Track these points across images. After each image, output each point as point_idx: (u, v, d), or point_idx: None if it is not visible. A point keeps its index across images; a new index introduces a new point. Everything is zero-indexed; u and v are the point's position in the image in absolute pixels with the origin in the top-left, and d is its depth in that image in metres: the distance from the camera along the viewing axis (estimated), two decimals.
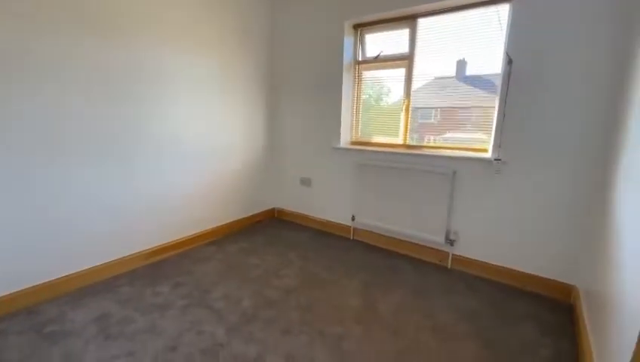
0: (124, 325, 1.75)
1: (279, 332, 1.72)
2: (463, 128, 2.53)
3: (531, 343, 1.69)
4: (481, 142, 2.41)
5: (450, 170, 2.40)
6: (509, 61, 2.11)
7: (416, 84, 2.68)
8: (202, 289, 2.13)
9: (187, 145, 2.65)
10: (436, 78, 2.65)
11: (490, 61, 2.32)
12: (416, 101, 2.69)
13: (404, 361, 1.54)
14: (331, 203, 3.19)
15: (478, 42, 2.34)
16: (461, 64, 2.49)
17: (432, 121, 2.75)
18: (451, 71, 2.52)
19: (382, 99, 2.97)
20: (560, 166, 2.03)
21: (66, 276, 2.04)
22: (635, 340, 0.78)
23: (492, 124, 2.30)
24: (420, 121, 2.76)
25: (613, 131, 1.79)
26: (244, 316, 1.86)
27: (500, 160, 2.20)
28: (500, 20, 2.21)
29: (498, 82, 2.24)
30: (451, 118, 2.60)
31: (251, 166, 3.32)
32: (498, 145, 2.21)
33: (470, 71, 2.45)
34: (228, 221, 3.13)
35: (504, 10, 2.21)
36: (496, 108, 2.25)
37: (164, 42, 2.37)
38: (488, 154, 2.32)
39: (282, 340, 1.67)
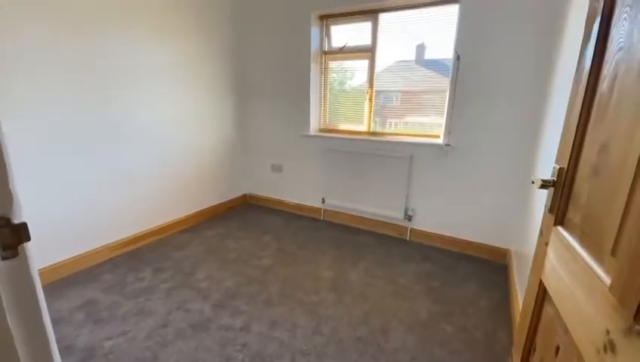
0: (112, 309, 1.85)
1: (262, 304, 1.93)
2: (422, 111, 2.82)
3: (474, 296, 2.06)
4: (438, 125, 2.71)
5: (408, 155, 2.69)
6: (457, 57, 2.39)
7: (378, 70, 2.89)
8: (184, 272, 2.26)
9: (156, 135, 2.67)
10: (397, 62, 2.88)
11: (446, 46, 2.57)
12: (378, 85, 2.92)
13: (370, 319, 1.83)
14: (302, 187, 3.39)
15: (434, 32, 2.59)
16: (420, 48, 2.73)
17: (394, 104, 3.00)
18: (411, 55, 2.76)
19: (347, 89, 3.16)
20: (498, 149, 2.39)
21: (45, 268, 2.06)
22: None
23: (445, 110, 2.61)
24: (382, 103, 2.99)
25: (539, 118, 2.16)
26: (228, 293, 2.03)
27: (449, 145, 2.52)
28: (449, 19, 2.47)
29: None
30: (411, 101, 2.87)
31: (222, 154, 3.39)
32: (448, 131, 2.53)
33: (428, 55, 2.71)
34: (202, 208, 3.21)
35: (454, 9, 2.48)
36: (447, 99, 2.55)
37: (127, 31, 2.34)
38: (440, 140, 2.63)
39: (265, 310, 1.87)
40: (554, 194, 0.82)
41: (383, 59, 2.87)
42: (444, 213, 2.69)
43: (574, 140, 0.75)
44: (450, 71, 2.45)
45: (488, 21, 2.25)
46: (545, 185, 0.84)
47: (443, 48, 2.60)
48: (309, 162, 3.28)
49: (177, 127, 2.85)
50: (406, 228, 2.86)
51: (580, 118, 0.74)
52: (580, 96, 0.74)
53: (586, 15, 0.76)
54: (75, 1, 2.02)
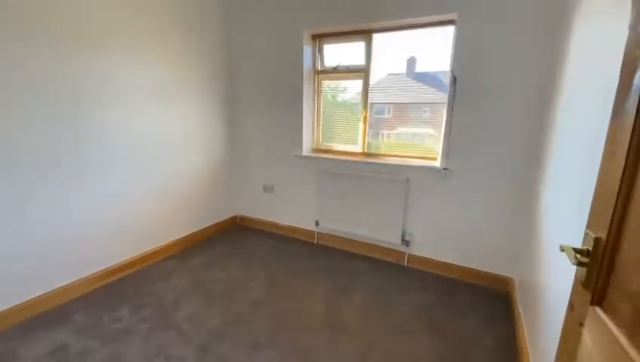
0: (84, 356, 1.67)
1: (249, 347, 1.77)
2: (414, 123, 2.74)
3: (478, 333, 1.93)
4: (429, 136, 2.63)
5: (405, 178, 2.59)
6: (453, 80, 2.32)
7: (371, 84, 2.81)
8: (166, 309, 2.09)
9: (140, 158, 2.53)
10: (388, 75, 2.81)
11: (438, 59, 2.52)
12: (371, 97, 2.83)
13: None
14: (295, 209, 3.26)
15: (428, 46, 2.54)
16: (411, 61, 2.69)
17: (387, 116, 2.92)
18: (402, 68, 2.72)
19: (341, 109, 3.07)
20: (497, 173, 2.30)
21: (12, 307, 1.88)
22: (561, 317, 0.92)
23: (441, 122, 2.52)
24: (375, 116, 2.90)
25: (542, 142, 2.08)
26: (213, 334, 1.87)
27: (447, 169, 2.43)
28: (445, 40, 2.41)
29: (445, 81, 2.47)
30: (403, 113, 2.79)
31: (212, 174, 3.25)
32: (445, 155, 2.43)
33: (420, 68, 2.65)
34: (188, 232, 3.05)
35: (450, 30, 2.42)
36: (443, 122, 2.47)
37: (111, 46, 2.22)
38: (437, 163, 2.54)
39: (253, 355, 1.71)
40: (589, 268, 0.70)
41: (376, 75, 2.80)
42: (442, 239, 2.58)
43: (616, 202, 0.63)
44: (447, 93, 2.38)
45: (486, 42, 2.19)
46: (580, 260, 0.71)
47: (436, 61, 2.55)
48: (302, 183, 3.15)
49: (165, 148, 2.71)
50: (403, 254, 2.73)
51: (624, 173, 0.62)
52: (624, 145, 0.62)
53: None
54: (54, 18, 1.90)
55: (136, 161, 2.50)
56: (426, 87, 2.66)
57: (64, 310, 2.04)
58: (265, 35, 3.04)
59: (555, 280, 1.31)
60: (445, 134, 2.42)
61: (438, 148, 2.56)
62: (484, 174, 2.34)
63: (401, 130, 2.81)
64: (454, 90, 2.33)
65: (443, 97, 2.49)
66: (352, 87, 2.94)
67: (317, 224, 3.09)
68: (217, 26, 3.08)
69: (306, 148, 3.13)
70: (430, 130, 2.64)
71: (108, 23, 2.18)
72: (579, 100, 1.39)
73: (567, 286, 0.89)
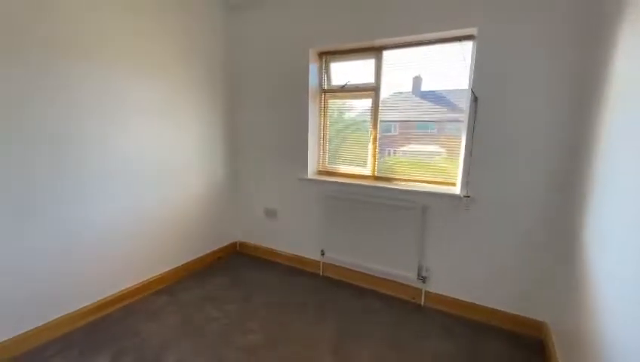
0: None
1: None
2: (424, 142, 2.52)
3: None
4: (437, 153, 2.42)
5: (420, 205, 2.34)
6: (474, 98, 2.11)
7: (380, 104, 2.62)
8: (151, 356, 1.83)
9: (131, 183, 2.35)
10: (395, 93, 2.61)
11: (451, 77, 2.32)
12: (381, 116, 2.63)
13: None
14: (299, 236, 3.01)
15: (438, 67, 2.35)
16: (417, 80, 2.50)
17: (393, 133, 2.70)
18: (409, 86, 2.54)
19: (349, 129, 2.88)
20: (527, 203, 2.04)
21: None
22: None
23: (456, 143, 2.29)
24: (382, 133, 2.67)
25: (580, 168, 1.83)
26: None
27: (468, 196, 2.18)
28: (464, 57, 2.22)
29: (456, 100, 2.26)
30: (412, 132, 2.58)
31: (210, 198, 3.05)
32: (466, 181, 2.19)
33: (429, 86, 2.45)
34: (183, 262, 2.81)
35: (468, 46, 2.23)
36: (462, 143, 2.24)
37: (105, 64, 2.08)
38: (457, 189, 2.29)
39: None
40: None
41: (386, 94, 2.61)
42: (464, 275, 2.29)
43: None
44: (467, 111, 2.16)
45: (512, 57, 1.98)
46: None
47: (447, 79, 2.35)
48: (306, 209, 2.92)
49: (161, 170, 2.53)
50: (420, 291, 2.44)
51: None
52: None
53: None
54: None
55: (127, 184, 2.31)
56: (437, 106, 2.46)
57: (39, 355, 1.80)
58: (269, 53, 2.90)
59: (631, 333, 1.03)
60: (465, 158, 2.18)
61: (458, 172, 2.32)
62: (512, 203, 2.08)
63: (411, 148, 2.58)
64: (475, 110, 2.11)
65: (456, 116, 2.29)
66: (360, 107, 2.76)
67: (322, 254, 2.83)
68: (218, 43, 2.96)
69: (311, 171, 2.92)
70: (444, 151, 2.42)
71: (101, 33, 2.05)
72: None
73: None
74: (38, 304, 1.89)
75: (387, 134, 2.68)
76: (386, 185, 2.53)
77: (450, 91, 2.37)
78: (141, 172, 2.38)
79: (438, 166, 2.46)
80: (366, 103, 2.69)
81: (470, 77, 2.17)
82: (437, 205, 2.32)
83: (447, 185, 2.40)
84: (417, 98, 2.54)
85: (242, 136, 3.20)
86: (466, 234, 2.25)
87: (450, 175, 2.40)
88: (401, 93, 2.61)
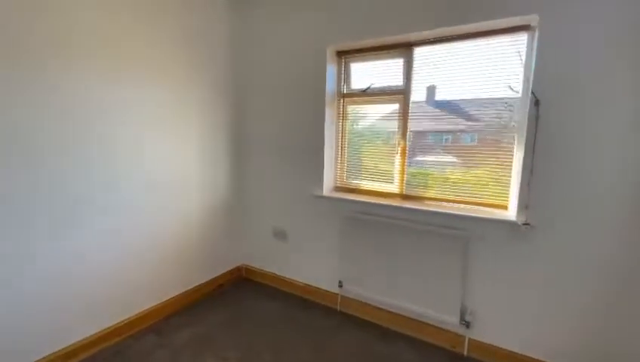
0: None
1: None
2: (460, 153, 2.10)
3: None
4: (479, 169, 1.96)
5: (463, 233, 1.91)
6: (535, 102, 1.69)
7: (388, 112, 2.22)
8: None
9: (122, 209, 1.98)
10: (425, 98, 2.20)
11: (497, 79, 1.91)
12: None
13: None
14: (313, 263, 2.59)
15: (484, 68, 1.93)
16: (431, 90, 2.15)
17: (425, 142, 2.27)
18: (444, 88, 2.12)
19: (372, 139, 2.48)
20: (605, 234, 1.60)
21: None
22: None
23: (514, 172, 1.86)
24: (412, 143, 2.24)
25: None
26: None
27: (528, 224, 1.74)
28: (519, 54, 1.81)
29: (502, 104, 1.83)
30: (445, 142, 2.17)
31: (213, 217, 2.67)
32: (525, 205, 1.75)
33: (466, 90, 2.03)
34: (178, 292, 2.42)
35: (522, 40, 1.83)
36: (519, 160, 1.82)
37: (98, 72, 1.75)
38: (511, 214, 1.86)
39: None
40: None
41: (416, 98, 2.21)
42: (519, 321, 1.83)
43: None
44: (526, 118, 1.74)
45: (583, 51, 1.57)
46: None
47: (491, 81, 1.93)
48: (321, 231, 2.51)
49: (156, 186, 2.17)
50: (463, 338, 1.99)
51: None
52: None
53: None
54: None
55: (120, 217, 1.95)
56: (478, 112, 2.04)
57: None
58: (280, 53, 2.55)
59: None
60: (523, 175, 1.75)
61: (510, 191, 1.89)
62: (583, 235, 1.64)
63: (446, 161, 2.17)
64: (537, 116, 1.69)
65: (503, 123, 1.87)
66: (386, 113, 2.37)
67: (340, 285, 2.41)
68: (223, 43, 2.62)
69: (328, 187, 2.52)
70: (488, 166, 1.99)
71: (100, 37, 1.72)
72: None
73: None
74: (10, 343, 1.52)
75: (418, 145, 2.27)
76: (418, 207, 2.11)
77: (493, 93, 1.95)
78: (127, 189, 2.02)
79: (481, 183, 2.03)
80: (392, 109, 2.30)
81: (527, 77, 1.76)
82: (485, 233, 1.88)
83: (494, 207, 1.96)
84: (453, 103, 2.13)
85: (249, 146, 2.83)
86: (524, 270, 1.80)
87: (498, 195, 1.96)
88: (431, 98, 2.21)
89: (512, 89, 1.86)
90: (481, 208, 1.98)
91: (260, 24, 2.62)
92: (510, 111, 1.88)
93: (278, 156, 2.68)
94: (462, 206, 2.04)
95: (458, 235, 1.92)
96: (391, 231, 2.15)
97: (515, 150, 1.87)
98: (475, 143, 2.09)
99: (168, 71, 2.18)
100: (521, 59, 1.81)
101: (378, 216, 2.21)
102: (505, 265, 1.85)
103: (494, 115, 1.95)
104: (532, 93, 1.70)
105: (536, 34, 1.69)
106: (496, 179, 1.97)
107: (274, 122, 2.66)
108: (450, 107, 2.14)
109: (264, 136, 2.73)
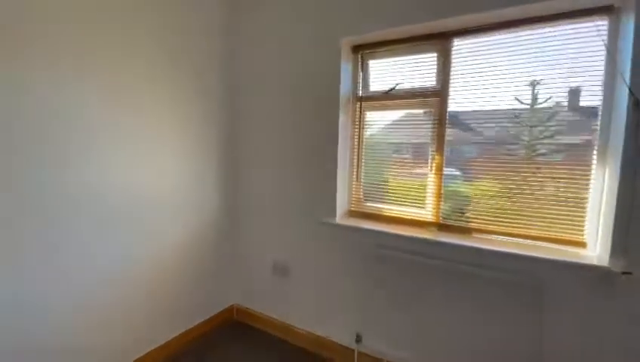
0: None
1: None
2: (516, 171, 1.60)
3: None
4: (544, 192, 1.48)
5: (531, 279, 1.42)
6: (635, 102, 1.23)
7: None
8: None
9: (70, 222, 1.48)
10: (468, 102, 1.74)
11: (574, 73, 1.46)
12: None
13: None
14: (322, 308, 2.08)
15: (555, 60, 1.48)
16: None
17: (467, 157, 1.80)
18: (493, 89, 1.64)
19: (397, 152, 2.01)
20: None
21: None
22: None
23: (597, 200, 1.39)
24: (450, 158, 1.77)
25: None
26: None
27: (630, 273, 1.25)
28: (604, 42, 1.37)
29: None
30: (495, 157, 1.68)
31: (197, 245, 2.16)
32: (623, 247, 1.27)
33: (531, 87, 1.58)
34: (152, 347, 1.89)
35: (603, 26, 1.39)
36: (603, 180, 1.35)
37: (73, 76, 1.28)
38: (593, 256, 1.37)
39: None
40: None
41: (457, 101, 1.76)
42: None
43: None
44: (619, 129, 1.28)
45: None
46: None
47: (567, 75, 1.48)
48: (333, 267, 2.01)
49: (119, 214, 1.67)
50: None
51: None
52: None
53: None
54: None
55: (67, 233, 1.45)
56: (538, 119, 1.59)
57: None
58: (282, 50, 2.10)
59: None
60: (618, 205, 1.28)
61: (589, 225, 1.42)
62: None
63: (493, 178, 1.70)
64: (637, 124, 1.23)
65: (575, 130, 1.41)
66: (415, 122, 1.91)
67: (358, 339, 1.88)
68: (215, 39, 2.18)
69: (341, 212, 2.03)
70: (554, 189, 1.52)
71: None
72: None
73: None
74: None
75: (458, 160, 1.80)
76: (461, 242, 1.62)
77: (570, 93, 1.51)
78: (90, 215, 1.53)
79: (546, 212, 1.55)
80: (424, 116, 1.84)
81: (616, 70, 1.31)
82: (561, 281, 1.40)
83: (568, 244, 1.48)
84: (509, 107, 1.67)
85: (244, 162, 2.35)
86: (623, 332, 1.30)
87: (569, 226, 1.48)
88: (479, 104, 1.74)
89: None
90: (550, 245, 1.50)
91: (261, 13, 2.18)
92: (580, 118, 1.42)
93: (280, 176, 2.19)
94: (521, 240, 1.56)
95: (524, 282, 1.43)
96: (424, 272, 1.67)
97: (593, 168, 1.41)
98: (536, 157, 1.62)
99: (142, 65, 1.72)
100: (606, 48, 1.36)
101: (406, 251, 1.72)
102: (593, 325, 1.35)
103: (567, 123, 1.49)
104: (630, 90, 1.24)
105: (633, 16, 1.25)
106: (567, 206, 1.49)
107: (275, 132, 2.19)
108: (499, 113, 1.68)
109: (263, 149, 2.25)
